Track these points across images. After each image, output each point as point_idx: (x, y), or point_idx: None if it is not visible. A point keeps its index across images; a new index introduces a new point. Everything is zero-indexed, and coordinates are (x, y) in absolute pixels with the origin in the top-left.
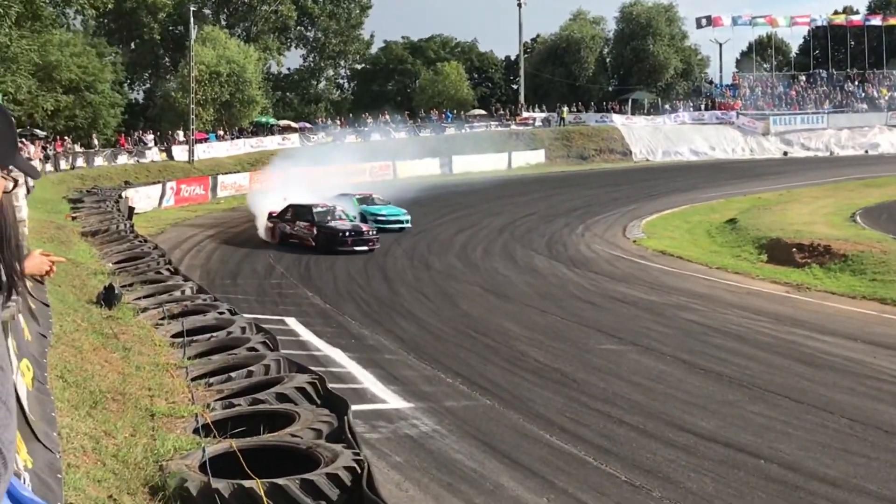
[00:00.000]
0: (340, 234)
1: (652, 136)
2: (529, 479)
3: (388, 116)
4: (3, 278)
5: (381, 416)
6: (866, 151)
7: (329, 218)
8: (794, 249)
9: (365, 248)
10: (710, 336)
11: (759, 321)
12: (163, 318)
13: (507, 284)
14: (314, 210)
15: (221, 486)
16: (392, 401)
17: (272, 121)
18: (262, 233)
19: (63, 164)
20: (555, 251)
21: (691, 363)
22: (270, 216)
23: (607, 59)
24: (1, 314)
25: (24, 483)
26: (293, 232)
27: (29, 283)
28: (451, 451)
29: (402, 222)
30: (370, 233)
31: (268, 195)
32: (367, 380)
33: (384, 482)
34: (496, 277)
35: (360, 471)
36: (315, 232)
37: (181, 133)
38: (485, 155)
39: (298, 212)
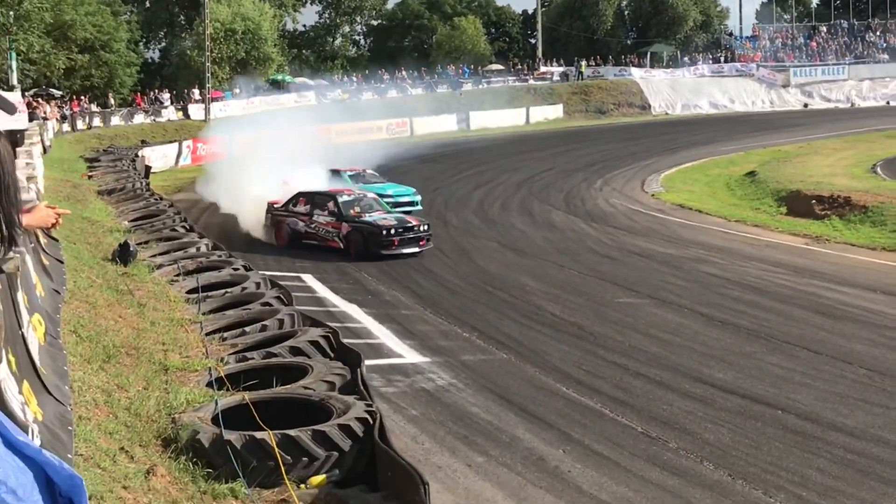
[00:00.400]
0: (384, 233)
1: (671, 90)
2: (545, 431)
3: (404, 73)
4: (3, 228)
5: (397, 370)
6: (888, 102)
7: (359, 210)
8: (814, 201)
9: (416, 248)
10: (729, 289)
11: (778, 273)
12: (178, 275)
13: (525, 240)
14: (339, 200)
15: (233, 437)
16: (408, 355)
17: (288, 78)
18: (259, 232)
19: (80, 124)
20: (572, 206)
21: (709, 316)
22: (272, 208)
23: (625, 12)
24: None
25: (33, 436)
26: (309, 230)
27: (43, 240)
28: (467, 405)
29: (413, 203)
30: (420, 227)
31: (245, 175)
32: (384, 335)
33: (400, 435)
34: (513, 233)
35: (371, 422)
36: (345, 230)
37: (197, 92)
38: (502, 110)
39: (316, 202)
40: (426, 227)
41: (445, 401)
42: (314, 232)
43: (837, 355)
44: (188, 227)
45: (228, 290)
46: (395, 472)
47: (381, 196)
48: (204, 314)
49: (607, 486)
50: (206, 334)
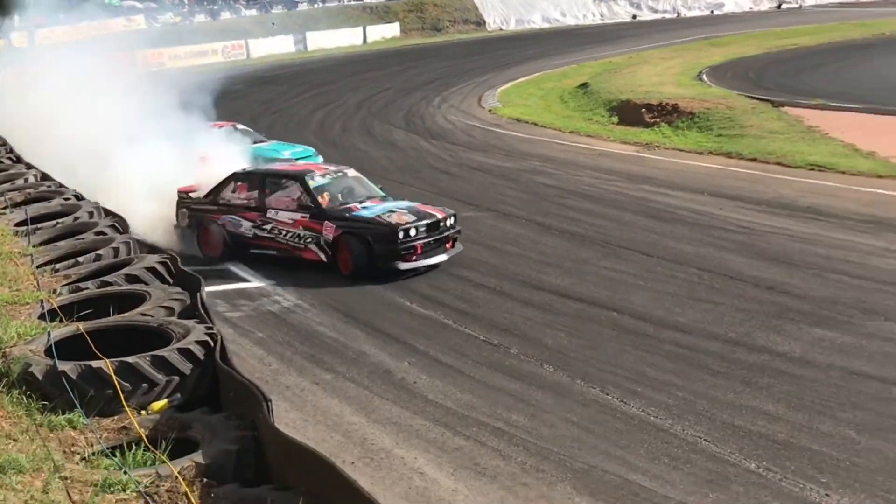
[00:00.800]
0: (402, 236)
1: (503, 5)
2: (391, 345)
3: None
4: None
5: (242, 294)
6: (712, 11)
7: (350, 200)
8: (644, 110)
9: (444, 256)
10: (564, 198)
11: (611, 181)
12: (4, 208)
13: (367, 160)
14: (310, 183)
15: (68, 368)
16: (253, 279)
17: (115, 2)
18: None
19: None
20: (412, 124)
21: (545, 225)
22: (186, 200)
23: None
24: None
25: None
26: (263, 234)
27: None
28: (313, 324)
29: None
30: (447, 222)
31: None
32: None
33: (246, 358)
34: (355, 153)
35: (212, 344)
36: (330, 233)
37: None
38: (339, 30)
39: (268, 187)
40: (453, 221)
41: (291, 321)
42: (271, 237)
43: (668, 257)
44: (14, 159)
45: (60, 220)
46: (238, 391)
47: (274, 161)
48: (35, 246)
49: (452, 394)
50: (38, 267)
